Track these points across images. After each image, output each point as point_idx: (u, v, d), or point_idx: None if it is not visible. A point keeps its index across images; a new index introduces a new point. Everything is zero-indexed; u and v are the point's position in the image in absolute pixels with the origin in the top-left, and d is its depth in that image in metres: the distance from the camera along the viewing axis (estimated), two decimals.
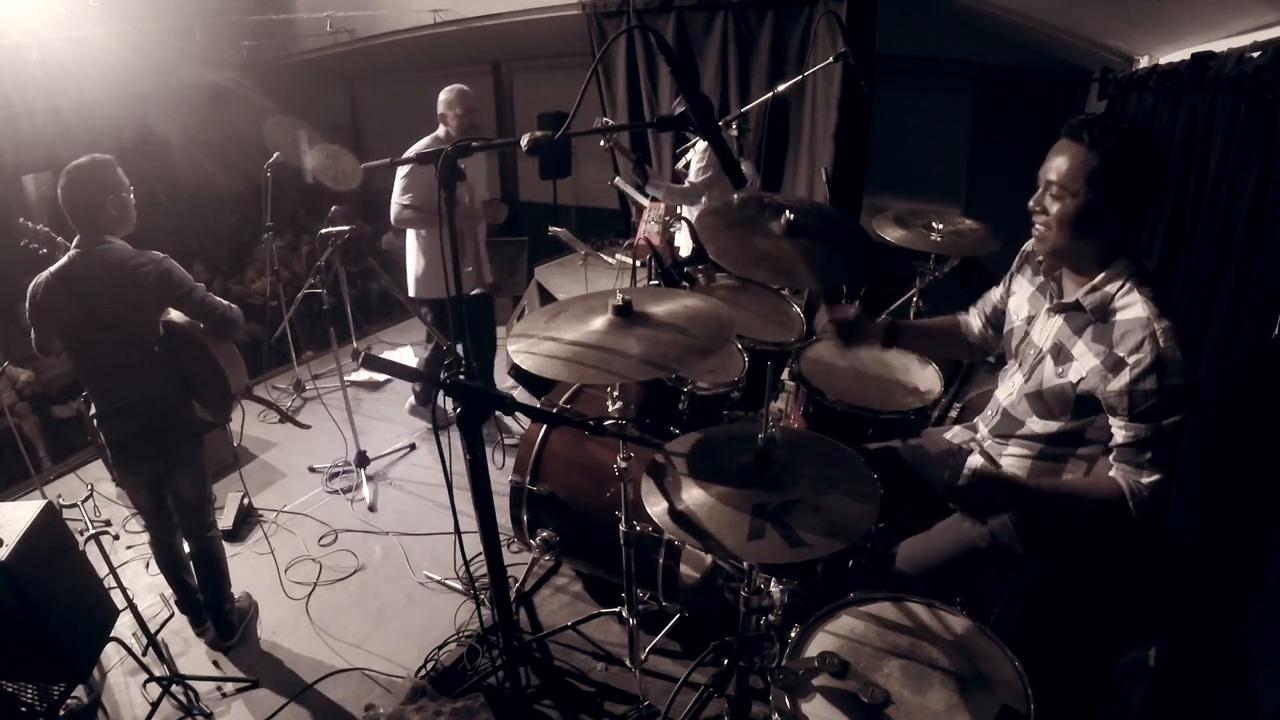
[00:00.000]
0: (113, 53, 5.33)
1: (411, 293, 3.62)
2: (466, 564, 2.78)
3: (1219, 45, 2.34)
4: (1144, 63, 3.20)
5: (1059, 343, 1.60)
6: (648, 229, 3.23)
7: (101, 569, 2.32)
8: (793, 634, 1.44)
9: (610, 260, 3.81)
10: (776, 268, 2.07)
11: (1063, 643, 1.83)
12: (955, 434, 1.96)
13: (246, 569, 3.00)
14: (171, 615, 2.73)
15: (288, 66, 6.95)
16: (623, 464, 1.93)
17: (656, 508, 1.40)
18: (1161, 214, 2.59)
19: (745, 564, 1.58)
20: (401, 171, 3.30)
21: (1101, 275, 1.52)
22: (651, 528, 2.25)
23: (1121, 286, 1.49)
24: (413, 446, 3.86)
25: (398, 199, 3.31)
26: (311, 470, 3.68)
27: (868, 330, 2.02)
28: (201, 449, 2.51)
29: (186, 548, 2.62)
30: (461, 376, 1.20)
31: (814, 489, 1.40)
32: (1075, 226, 1.50)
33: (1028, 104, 4.48)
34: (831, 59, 3.23)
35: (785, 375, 2.75)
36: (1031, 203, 1.56)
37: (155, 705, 2.31)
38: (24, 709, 2.07)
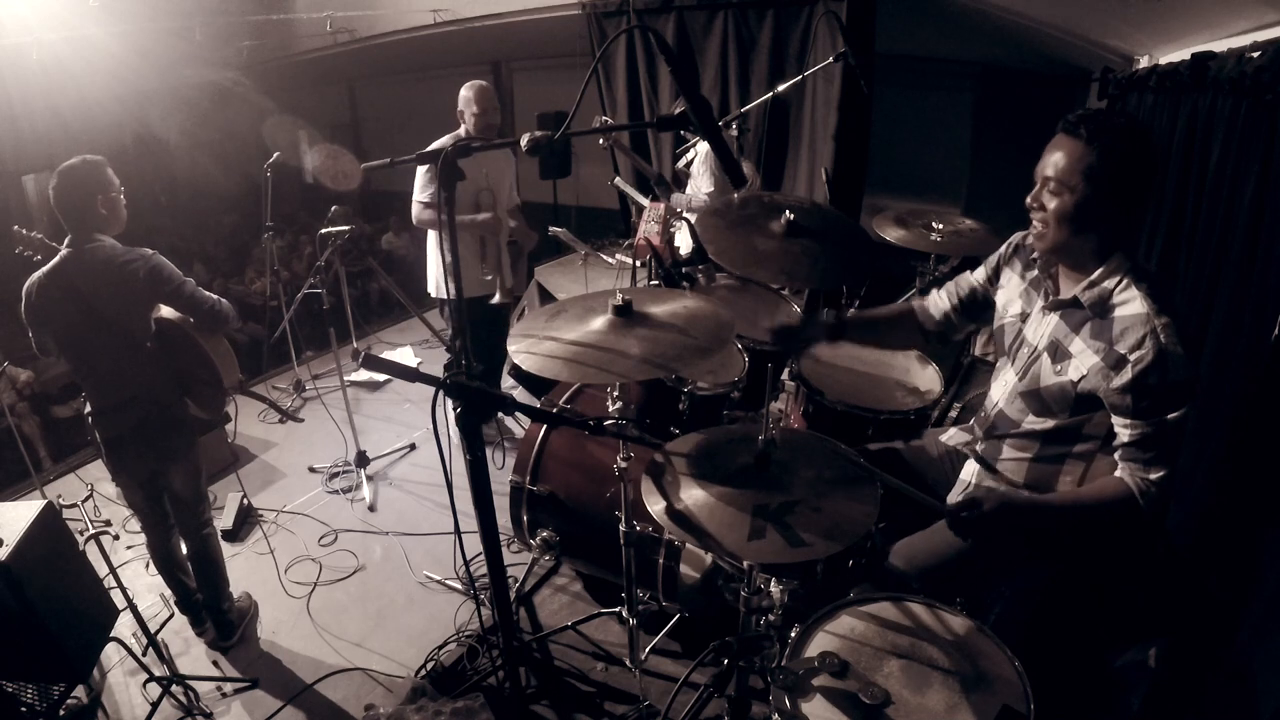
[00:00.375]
0: (113, 53, 5.33)
1: (431, 292, 3.62)
2: (466, 564, 2.78)
3: (1219, 45, 2.34)
4: (1144, 63, 3.20)
5: (1056, 340, 1.59)
6: (648, 229, 3.22)
7: (101, 569, 2.32)
8: (793, 634, 1.44)
9: (610, 260, 3.80)
10: (776, 268, 2.07)
11: (1063, 643, 1.83)
12: (951, 436, 1.94)
13: (246, 569, 3.00)
14: (171, 615, 2.73)
15: (288, 66, 6.95)
16: (623, 464, 1.93)
17: (657, 507, 1.40)
18: (1161, 214, 2.58)
19: (745, 564, 1.58)
20: (421, 170, 3.27)
21: (1099, 271, 1.52)
22: (651, 528, 2.25)
23: (1119, 282, 1.49)
24: (413, 446, 3.86)
25: (417, 197, 3.28)
26: (311, 470, 3.68)
27: (810, 332, 1.98)
28: (196, 446, 2.52)
29: (184, 548, 2.63)
30: (462, 376, 1.20)
31: (814, 489, 1.40)
32: (1073, 222, 1.50)
33: (1028, 104, 4.48)
34: (831, 59, 3.23)
35: (785, 375, 2.75)
36: (1029, 199, 1.55)
37: (155, 705, 2.31)
38: (24, 709, 2.07)
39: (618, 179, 3.94)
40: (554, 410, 2.49)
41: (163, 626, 2.70)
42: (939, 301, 1.94)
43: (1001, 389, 1.75)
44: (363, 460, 3.57)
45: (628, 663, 2.30)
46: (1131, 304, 1.46)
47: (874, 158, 4.00)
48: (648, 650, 2.37)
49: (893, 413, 2.20)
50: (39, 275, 2.20)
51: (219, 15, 6.02)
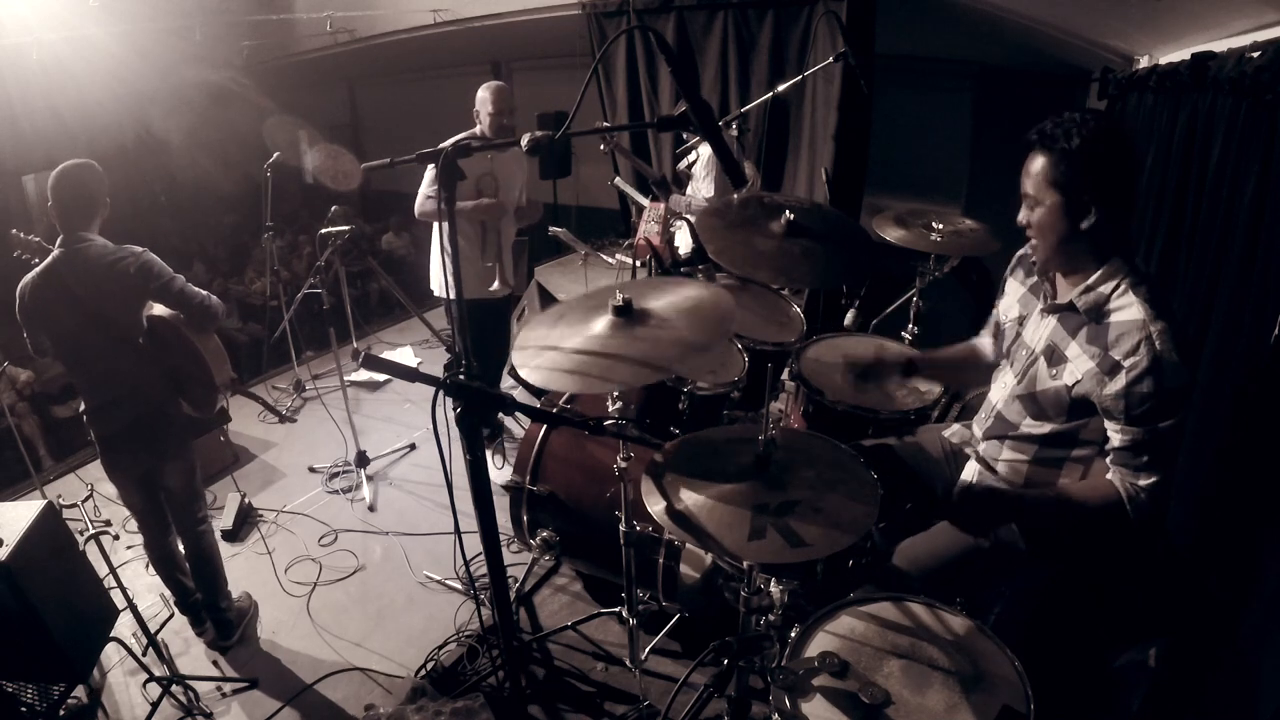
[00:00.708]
0: (113, 53, 5.33)
1: (434, 290, 3.59)
2: (466, 564, 2.78)
3: (1219, 45, 2.34)
4: (1144, 63, 3.20)
5: (1052, 344, 1.59)
6: (648, 229, 3.22)
7: (101, 569, 2.33)
8: (793, 634, 1.44)
9: (610, 260, 3.80)
10: (776, 268, 2.07)
11: (1063, 643, 1.83)
12: (954, 433, 1.95)
13: (246, 569, 3.00)
14: (171, 615, 2.73)
15: (288, 66, 6.95)
16: (622, 464, 1.93)
17: (657, 507, 1.39)
18: (1161, 214, 2.58)
19: (745, 564, 1.58)
20: (430, 166, 3.26)
21: (1095, 275, 1.52)
22: (651, 528, 2.25)
23: (1116, 287, 1.49)
24: (413, 446, 3.86)
25: (424, 190, 3.27)
26: (311, 470, 3.68)
27: (884, 372, 2.07)
28: (190, 444, 2.53)
29: (182, 548, 2.63)
30: (461, 376, 1.20)
31: (814, 489, 1.40)
32: (1055, 231, 1.52)
33: (1028, 104, 4.45)
34: (831, 59, 3.23)
35: (785, 375, 2.75)
36: (1019, 219, 1.58)
37: (155, 705, 2.31)
38: (24, 709, 2.07)
39: (618, 179, 3.93)
40: (554, 410, 2.48)
41: (163, 626, 2.70)
42: (985, 341, 1.99)
43: (1000, 391, 1.76)
44: (363, 460, 3.57)
45: (628, 663, 2.30)
46: (1128, 309, 1.46)
47: (874, 158, 3.99)
48: (648, 650, 2.37)
49: (893, 413, 2.20)
50: (31, 276, 2.22)
51: (219, 15, 6.02)
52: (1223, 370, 2.06)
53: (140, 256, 2.29)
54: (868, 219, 3.23)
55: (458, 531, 1.53)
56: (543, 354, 1.51)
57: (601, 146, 3.71)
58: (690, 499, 1.40)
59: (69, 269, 2.21)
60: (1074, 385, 1.53)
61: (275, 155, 4.27)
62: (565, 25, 4.83)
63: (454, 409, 1.23)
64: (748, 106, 3.56)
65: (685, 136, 3.73)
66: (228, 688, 2.45)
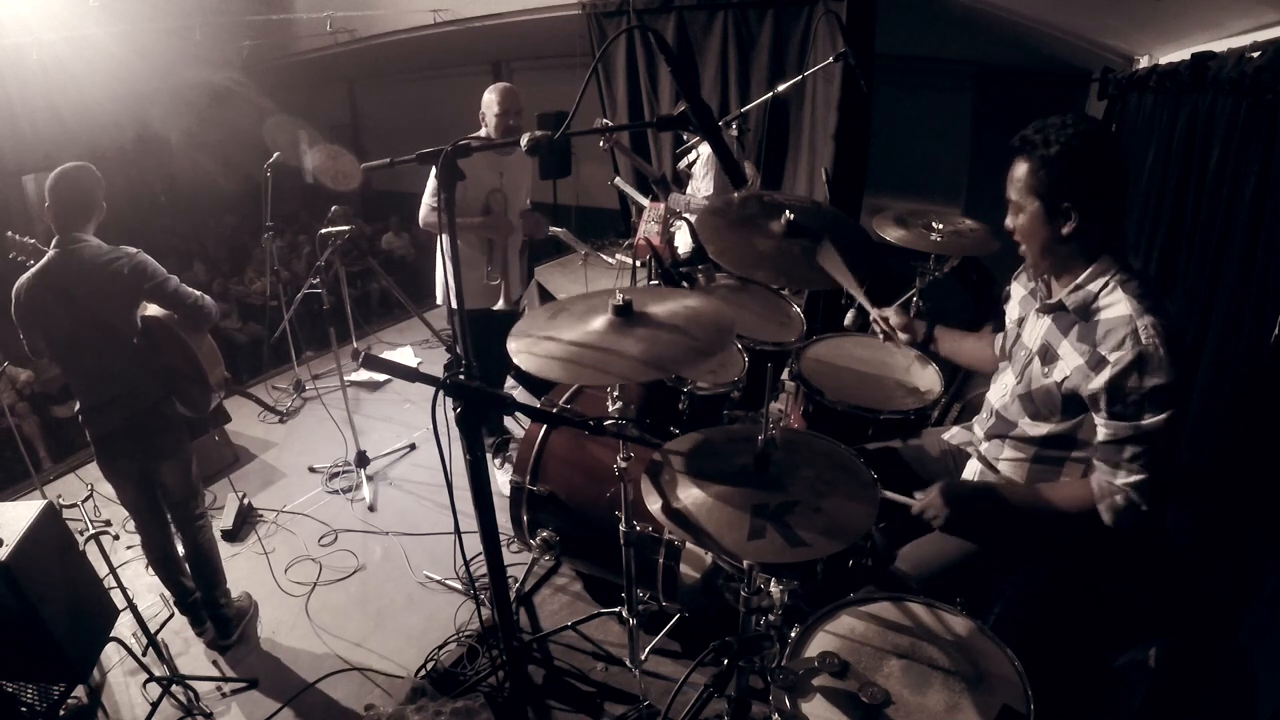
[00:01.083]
0: (113, 53, 5.33)
1: (439, 301, 3.51)
2: (466, 564, 2.78)
3: (1219, 45, 2.34)
4: (1144, 63, 3.20)
5: (1046, 343, 1.60)
6: (648, 229, 3.22)
7: (101, 569, 2.33)
8: (793, 634, 1.44)
9: (610, 260, 3.80)
10: (776, 268, 2.07)
11: (1063, 643, 1.83)
12: (954, 435, 1.96)
13: (246, 569, 3.00)
14: (171, 615, 2.73)
15: (288, 66, 6.96)
16: (623, 464, 1.93)
17: (656, 507, 1.40)
18: (1161, 214, 2.58)
19: (745, 564, 1.58)
20: (434, 171, 3.16)
21: (1085, 274, 1.53)
22: (651, 528, 2.25)
23: (1105, 285, 1.50)
24: (413, 446, 3.86)
25: (426, 199, 3.17)
26: (311, 470, 3.68)
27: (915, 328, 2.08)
28: (186, 443, 2.54)
29: (181, 547, 2.63)
30: (461, 376, 1.20)
31: (814, 489, 1.40)
32: (1039, 236, 1.53)
33: (1028, 104, 4.45)
34: (831, 59, 3.23)
35: (785, 375, 2.74)
36: (1005, 224, 1.60)
37: (155, 705, 2.31)
38: (24, 709, 2.07)
39: (618, 179, 3.94)
40: (554, 410, 2.49)
41: (163, 626, 2.70)
42: (997, 338, 1.98)
43: (1000, 391, 1.76)
44: (363, 460, 3.57)
45: (628, 663, 2.30)
46: (1116, 306, 1.46)
47: (874, 158, 3.99)
48: (648, 650, 2.37)
49: (893, 413, 2.19)
50: (27, 277, 2.23)
51: (219, 15, 6.03)
52: (1223, 370, 2.06)
53: (134, 257, 2.30)
54: (868, 219, 3.23)
55: (458, 531, 1.53)
56: (540, 343, 1.52)
57: (601, 143, 3.70)
58: (690, 498, 1.40)
59: (64, 270, 2.22)
60: (1063, 381, 1.54)
61: (275, 155, 4.27)
62: (565, 25, 4.83)
63: (454, 409, 1.24)
64: (748, 106, 3.57)
65: (685, 136, 3.73)
66: (227, 688, 2.45)
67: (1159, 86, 2.70)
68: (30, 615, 1.90)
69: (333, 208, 3.45)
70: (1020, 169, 1.51)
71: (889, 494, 1.58)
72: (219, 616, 2.62)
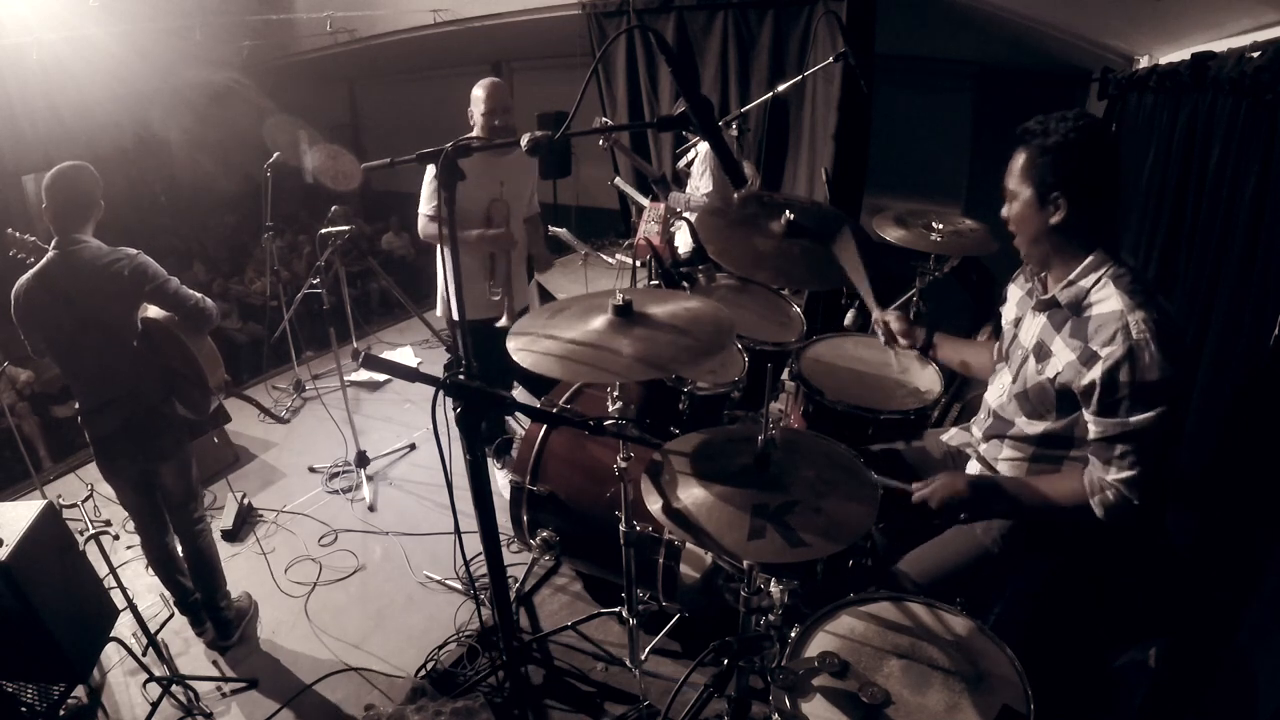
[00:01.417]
0: (113, 53, 5.33)
1: (439, 313, 3.38)
2: (466, 564, 2.78)
3: (1219, 45, 2.34)
4: (1144, 63, 3.20)
5: (1041, 340, 1.61)
6: (648, 229, 3.22)
7: (101, 569, 2.33)
8: (793, 634, 1.44)
9: (610, 260, 3.81)
10: (776, 268, 2.07)
11: (1063, 642, 1.83)
12: (952, 436, 1.95)
13: (246, 569, 3.00)
14: (171, 615, 2.73)
15: (288, 66, 6.95)
16: (623, 464, 1.93)
17: (656, 507, 1.40)
18: (1161, 214, 2.58)
19: (745, 564, 1.58)
20: (427, 179, 3.01)
21: (1077, 270, 1.53)
22: (651, 527, 2.25)
23: (1098, 280, 1.50)
24: (413, 446, 3.86)
25: (423, 209, 3.01)
26: (311, 470, 3.68)
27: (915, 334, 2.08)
28: (186, 444, 2.54)
29: (180, 548, 2.63)
30: (461, 376, 1.20)
31: (814, 489, 1.40)
32: (1030, 224, 1.54)
33: (1028, 104, 4.45)
34: (831, 59, 3.24)
35: (785, 375, 2.74)
36: (1002, 213, 1.61)
37: (155, 705, 2.31)
38: (24, 709, 2.07)
39: (618, 179, 3.94)
40: (554, 410, 2.48)
41: (163, 626, 2.70)
42: (994, 344, 1.99)
43: (998, 391, 1.76)
44: (363, 460, 3.57)
45: (628, 663, 2.30)
46: (1107, 301, 1.47)
47: (874, 158, 3.99)
48: (648, 650, 2.37)
49: (893, 413, 2.19)
50: (26, 278, 2.23)
51: (219, 15, 6.02)
52: (1223, 370, 2.06)
53: (135, 259, 2.29)
54: (868, 219, 3.23)
55: (458, 531, 1.53)
56: (540, 341, 1.52)
57: (601, 143, 3.69)
58: (690, 498, 1.40)
59: (63, 271, 2.22)
60: (1056, 377, 1.54)
61: (275, 155, 4.27)
62: (565, 25, 4.83)
63: (454, 409, 1.24)
64: (748, 106, 3.57)
65: (685, 136, 3.73)
66: (227, 688, 2.45)
67: (1159, 86, 2.70)
68: (30, 615, 1.90)
69: (333, 208, 3.45)
70: (1019, 158, 1.53)
71: (887, 480, 1.58)
72: (219, 619, 2.63)
